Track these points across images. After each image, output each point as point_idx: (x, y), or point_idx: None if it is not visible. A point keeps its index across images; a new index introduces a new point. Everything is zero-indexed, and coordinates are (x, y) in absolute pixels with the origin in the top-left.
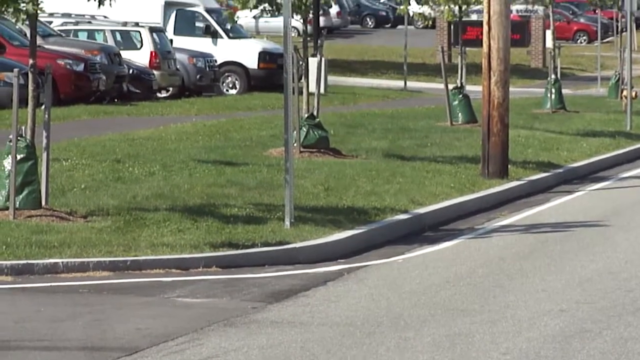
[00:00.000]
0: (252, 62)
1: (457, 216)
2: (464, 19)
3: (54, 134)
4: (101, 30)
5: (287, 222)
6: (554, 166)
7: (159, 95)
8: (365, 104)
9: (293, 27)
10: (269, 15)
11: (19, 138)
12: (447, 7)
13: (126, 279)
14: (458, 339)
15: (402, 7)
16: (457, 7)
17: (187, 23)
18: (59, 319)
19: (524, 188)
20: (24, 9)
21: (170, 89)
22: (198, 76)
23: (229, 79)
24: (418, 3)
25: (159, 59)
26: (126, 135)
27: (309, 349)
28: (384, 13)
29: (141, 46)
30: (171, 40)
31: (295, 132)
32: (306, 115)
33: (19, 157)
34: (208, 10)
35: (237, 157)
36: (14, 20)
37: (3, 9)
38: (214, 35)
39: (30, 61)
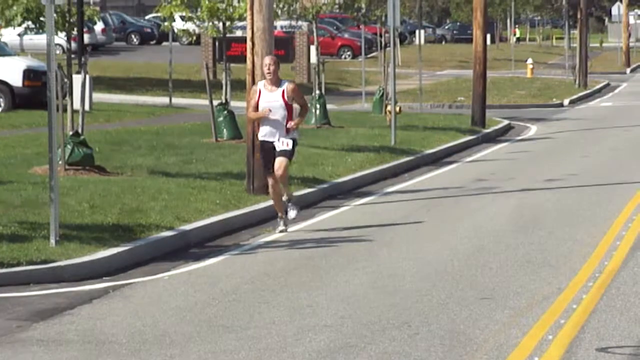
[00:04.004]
0: (16, 80)
1: (223, 232)
2: (228, 35)
3: None
4: None
5: (53, 241)
6: (318, 181)
7: None
8: (130, 121)
9: (57, 44)
10: (34, 32)
11: None
12: (211, 24)
13: None
14: (224, 355)
15: (166, 23)
16: (221, 24)
17: None
18: None
19: None
20: None
21: None
22: None
23: None
24: (182, 20)
25: None
26: None
27: None
28: (149, 30)
29: None
30: None
31: (60, 150)
32: (71, 133)
33: None
34: None
35: (2, 175)
36: None
37: None
38: None
39: None
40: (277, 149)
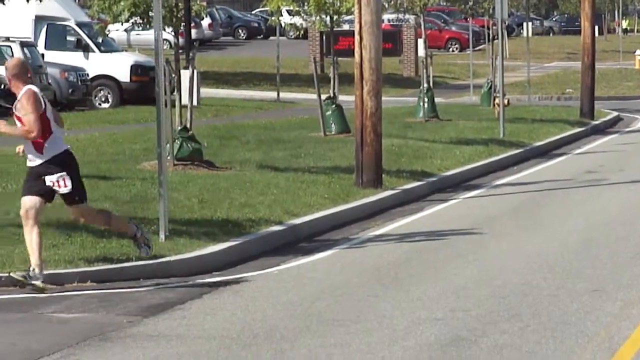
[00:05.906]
0: (124, 76)
1: (332, 226)
2: (335, 29)
3: None
4: None
5: (162, 236)
6: (427, 175)
7: None
8: (238, 116)
9: (164, 39)
10: (141, 28)
11: None
12: (318, 18)
13: (1, 295)
14: (334, 349)
15: (273, 18)
16: (328, 18)
17: (58, 37)
18: None
19: (398, 197)
20: None
21: None
22: (70, 90)
23: (102, 92)
24: (290, 14)
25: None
26: None
27: None
28: (255, 24)
29: None
30: (42, 55)
31: (168, 145)
32: (179, 128)
33: None
34: (79, 24)
35: (111, 171)
36: None
37: None
38: (86, 49)
39: None
40: (57, 191)
